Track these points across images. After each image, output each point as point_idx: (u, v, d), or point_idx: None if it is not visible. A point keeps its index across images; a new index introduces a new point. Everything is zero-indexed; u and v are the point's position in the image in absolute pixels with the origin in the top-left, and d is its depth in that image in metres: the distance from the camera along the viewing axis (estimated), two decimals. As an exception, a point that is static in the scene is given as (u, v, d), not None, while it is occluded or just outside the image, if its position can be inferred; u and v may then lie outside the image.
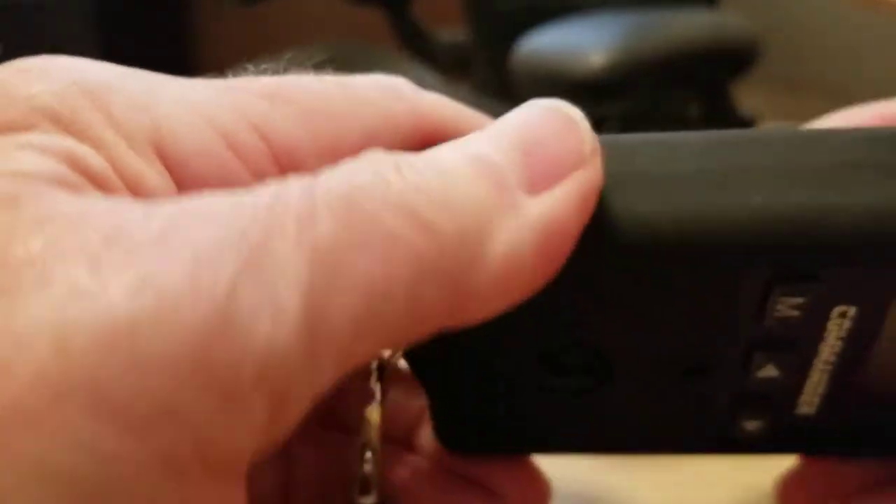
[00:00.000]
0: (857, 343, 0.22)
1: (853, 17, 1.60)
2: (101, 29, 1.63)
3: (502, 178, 0.20)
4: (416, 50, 1.28)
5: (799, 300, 0.21)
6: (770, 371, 0.23)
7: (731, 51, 1.43)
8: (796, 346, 0.22)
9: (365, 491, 0.25)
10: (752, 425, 0.24)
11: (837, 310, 0.21)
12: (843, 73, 1.72)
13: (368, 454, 0.26)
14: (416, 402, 0.28)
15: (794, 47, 1.73)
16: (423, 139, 0.24)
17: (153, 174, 0.20)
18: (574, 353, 0.23)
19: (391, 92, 0.24)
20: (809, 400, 0.23)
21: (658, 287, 0.21)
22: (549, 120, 0.21)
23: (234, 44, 1.73)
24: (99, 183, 0.19)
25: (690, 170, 0.20)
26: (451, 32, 1.29)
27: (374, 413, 0.26)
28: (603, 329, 0.23)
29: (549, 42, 0.89)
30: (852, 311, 0.21)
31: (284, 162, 0.22)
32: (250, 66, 0.25)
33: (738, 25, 1.40)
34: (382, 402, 0.26)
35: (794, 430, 0.24)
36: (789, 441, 0.24)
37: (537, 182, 0.20)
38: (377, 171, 0.19)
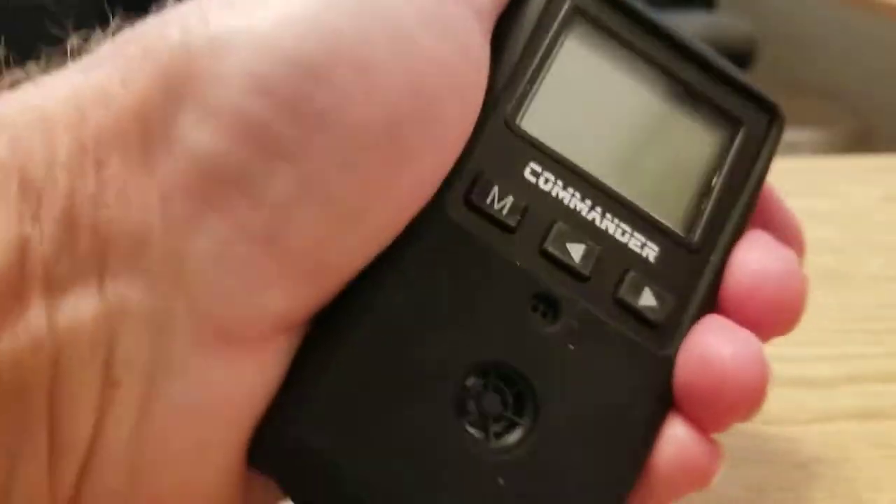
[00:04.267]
0: None
1: (848, 19, 1.61)
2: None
3: None
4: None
5: None
6: None
7: (727, 53, 1.43)
8: None
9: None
10: None
11: None
12: (838, 75, 1.72)
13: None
14: None
15: (790, 49, 1.74)
16: None
17: None
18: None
19: None
20: None
21: None
22: None
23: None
24: None
25: None
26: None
27: None
28: None
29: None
30: None
31: None
32: None
33: (735, 28, 1.41)
34: None
35: None
36: None
37: None
38: None
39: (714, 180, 0.24)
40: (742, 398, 0.22)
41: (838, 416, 0.31)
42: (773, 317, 0.23)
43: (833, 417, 0.31)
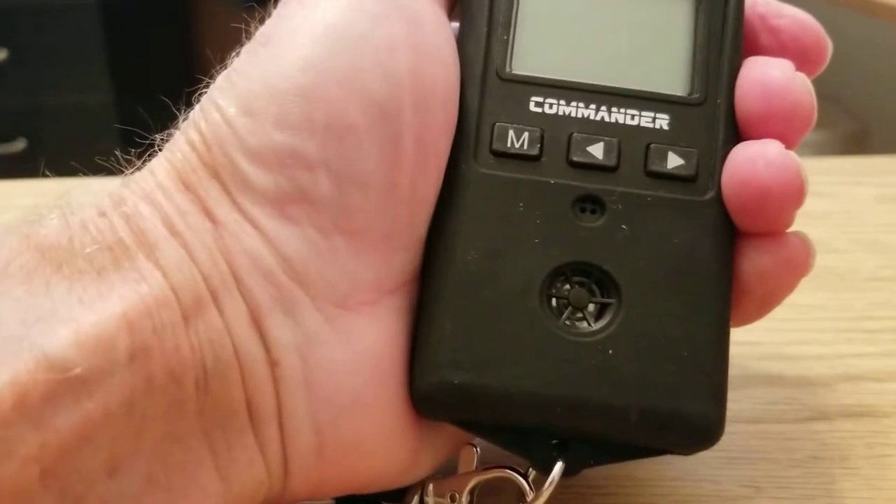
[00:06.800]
0: None
1: (846, 21, 1.61)
2: (107, 31, 1.62)
3: None
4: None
5: None
6: None
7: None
8: None
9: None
10: None
11: None
12: (835, 78, 1.72)
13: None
14: None
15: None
16: None
17: None
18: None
19: None
20: None
21: None
22: None
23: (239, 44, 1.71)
24: None
25: None
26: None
27: None
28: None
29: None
30: None
31: None
32: None
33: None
34: None
35: None
36: None
37: None
38: None
39: (695, 35, 0.27)
40: (781, 192, 0.25)
41: (835, 415, 0.31)
42: (788, 121, 0.26)
43: (830, 416, 0.31)
